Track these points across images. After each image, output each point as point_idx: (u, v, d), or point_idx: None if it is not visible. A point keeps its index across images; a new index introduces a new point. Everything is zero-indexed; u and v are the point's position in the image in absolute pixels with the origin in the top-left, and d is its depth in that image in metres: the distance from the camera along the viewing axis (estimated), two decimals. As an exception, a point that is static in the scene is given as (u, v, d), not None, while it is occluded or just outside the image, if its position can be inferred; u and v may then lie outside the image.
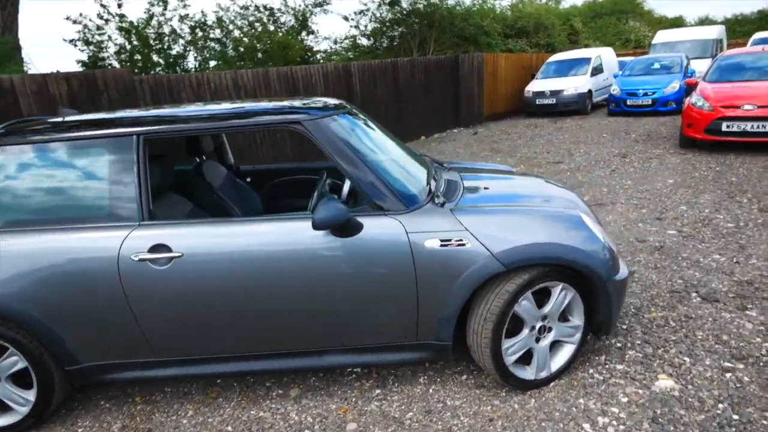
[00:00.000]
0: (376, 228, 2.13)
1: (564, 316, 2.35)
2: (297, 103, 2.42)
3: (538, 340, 2.29)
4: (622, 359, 2.48)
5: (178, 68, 11.20)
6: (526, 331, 2.25)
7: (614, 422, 2.08)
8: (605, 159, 7.05)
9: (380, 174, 2.19)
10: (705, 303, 2.95)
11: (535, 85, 12.59)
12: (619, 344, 2.61)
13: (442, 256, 2.12)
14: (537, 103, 12.28)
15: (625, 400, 2.19)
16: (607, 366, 2.44)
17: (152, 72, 10.72)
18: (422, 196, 2.28)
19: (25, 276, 2.10)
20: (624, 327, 2.77)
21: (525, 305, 2.19)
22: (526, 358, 2.32)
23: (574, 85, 11.97)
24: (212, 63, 11.90)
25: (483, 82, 12.17)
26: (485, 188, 2.63)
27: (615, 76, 12.16)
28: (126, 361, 2.27)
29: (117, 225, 2.14)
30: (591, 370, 2.42)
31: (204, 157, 3.24)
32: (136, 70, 10.31)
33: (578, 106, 11.88)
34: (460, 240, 2.13)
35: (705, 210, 4.59)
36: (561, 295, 2.24)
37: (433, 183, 2.45)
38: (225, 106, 2.38)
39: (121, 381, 2.31)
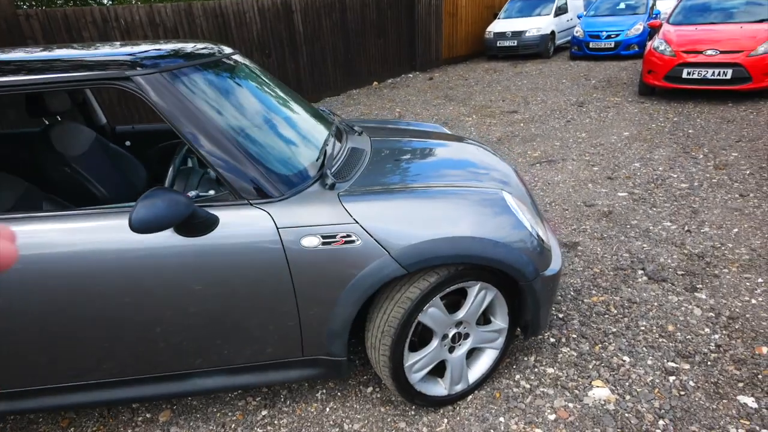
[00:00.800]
0: (236, 223, 1.62)
1: (486, 318, 1.95)
2: (130, 49, 1.79)
3: (452, 349, 1.89)
4: (554, 360, 2.13)
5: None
6: (435, 342, 1.83)
7: (535, 449, 1.73)
8: (561, 108, 6.61)
9: (243, 149, 1.65)
10: (651, 283, 2.61)
11: (496, 26, 11.83)
12: (552, 339, 2.26)
13: (324, 257, 1.64)
14: (498, 45, 11.58)
15: (552, 417, 1.84)
16: (536, 370, 2.08)
17: (42, 6, 9.39)
18: (306, 176, 1.77)
19: None
20: (560, 316, 2.41)
21: (433, 313, 1.76)
22: (439, 370, 1.94)
23: (536, 25, 11.29)
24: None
25: (441, 23, 11.33)
26: (396, 160, 2.13)
27: (579, 17, 11.53)
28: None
29: None
30: (517, 376, 2.06)
31: (58, 118, 2.59)
32: (22, 2, 8.99)
33: (539, 49, 11.26)
34: (348, 236, 1.65)
35: (659, 168, 4.24)
36: (479, 296, 1.82)
37: (327, 156, 1.93)
38: (20, 55, 1.73)
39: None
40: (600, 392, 1.93)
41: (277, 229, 1.62)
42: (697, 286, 2.55)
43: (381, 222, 1.66)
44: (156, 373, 1.78)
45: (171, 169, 1.96)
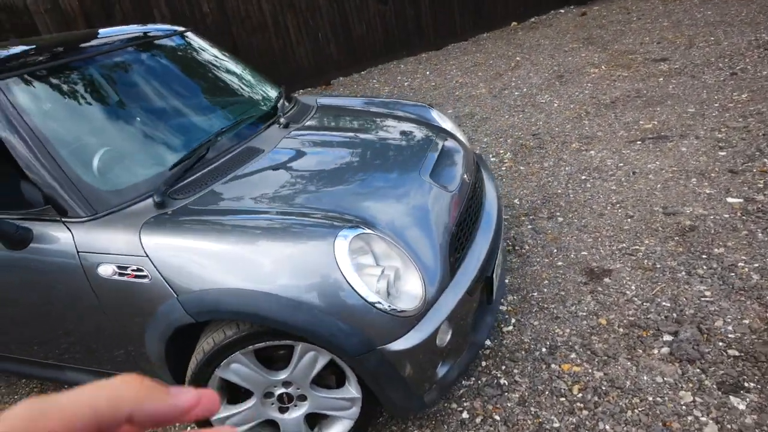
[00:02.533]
0: (47, 239, 1.53)
1: (339, 380, 1.55)
2: None
3: (284, 410, 1.56)
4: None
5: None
6: (255, 400, 1.53)
7: None
8: (738, 52, 4.82)
9: (53, 160, 1.51)
10: (670, 363, 1.76)
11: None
12: (466, 414, 1.71)
13: (122, 287, 1.46)
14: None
15: None
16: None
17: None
18: (133, 193, 1.57)
19: None
20: (501, 379, 1.81)
21: (237, 369, 1.45)
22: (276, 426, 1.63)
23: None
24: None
25: (618, -61, 9.13)
26: (276, 168, 1.76)
27: None
28: None
29: None
30: (389, 453, 1.63)
31: None
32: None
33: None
34: (139, 269, 1.42)
35: None
36: (306, 358, 1.44)
37: (183, 165, 1.68)
38: None
39: None
40: None
41: (77, 252, 1.48)
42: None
43: (175, 259, 1.39)
44: (44, 360, 1.87)
45: None
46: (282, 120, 2.08)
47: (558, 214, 2.86)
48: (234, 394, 1.56)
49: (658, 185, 2.89)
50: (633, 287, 2.16)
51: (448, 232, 1.59)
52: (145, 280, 1.42)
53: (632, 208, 2.73)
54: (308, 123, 2.14)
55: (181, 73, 2.18)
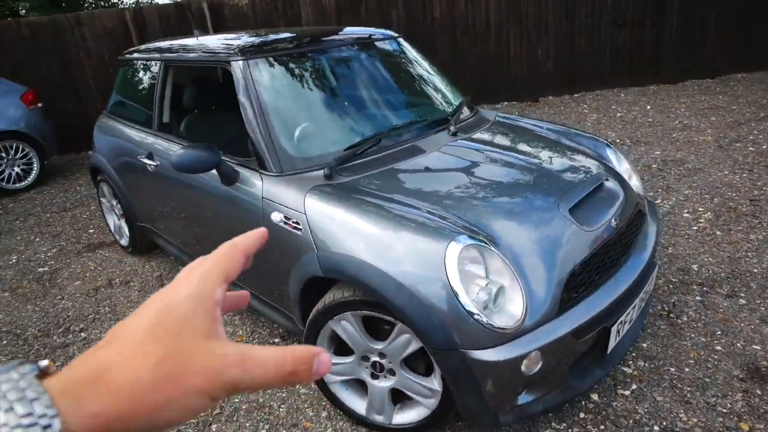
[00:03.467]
0: (246, 183, 2.00)
1: (429, 369, 1.68)
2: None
3: (375, 377, 1.76)
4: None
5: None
6: (353, 358, 1.76)
7: None
8: None
9: (267, 128, 1.97)
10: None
11: None
12: (548, 453, 1.68)
13: (283, 232, 1.84)
14: None
15: None
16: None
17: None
18: (313, 162, 1.94)
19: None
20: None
21: (346, 327, 1.70)
22: (363, 391, 1.84)
23: None
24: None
25: None
26: (427, 169, 1.95)
27: None
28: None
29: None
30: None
31: None
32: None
33: None
34: (297, 223, 1.78)
35: None
36: (402, 338, 1.61)
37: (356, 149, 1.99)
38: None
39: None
40: None
41: (262, 197, 1.92)
42: None
43: (324, 221, 1.71)
44: None
45: None
46: (452, 128, 2.25)
47: (742, 294, 2.44)
48: (340, 347, 1.82)
49: None
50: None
51: (569, 270, 1.58)
52: (299, 232, 1.76)
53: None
54: (476, 135, 2.27)
55: (384, 72, 2.52)
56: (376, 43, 2.58)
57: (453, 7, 6.48)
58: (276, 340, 2.42)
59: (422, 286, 1.46)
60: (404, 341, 1.61)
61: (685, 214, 3.32)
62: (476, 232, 1.57)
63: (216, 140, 2.22)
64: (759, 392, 1.89)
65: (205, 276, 0.34)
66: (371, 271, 1.52)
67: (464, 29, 6.60)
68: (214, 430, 1.94)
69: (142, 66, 2.96)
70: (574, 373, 1.65)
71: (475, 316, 1.42)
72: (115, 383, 0.28)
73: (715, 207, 3.36)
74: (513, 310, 1.46)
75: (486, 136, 2.26)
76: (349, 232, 1.63)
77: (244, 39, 2.33)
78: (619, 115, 5.78)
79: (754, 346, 2.11)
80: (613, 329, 1.66)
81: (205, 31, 3.30)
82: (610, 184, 1.93)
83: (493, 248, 1.51)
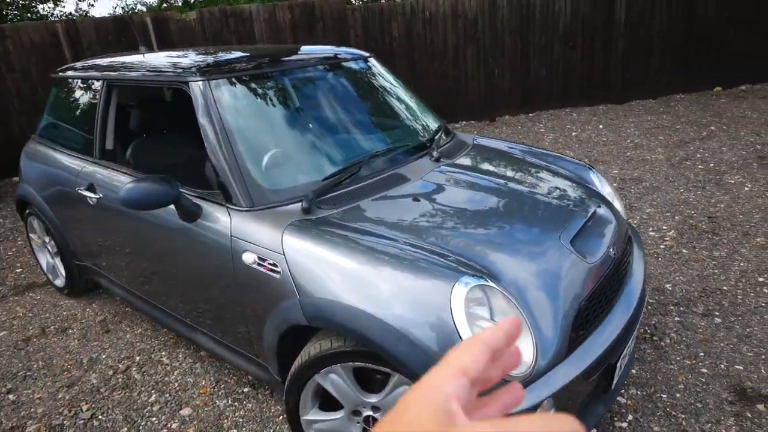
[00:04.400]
0: (210, 219, 1.80)
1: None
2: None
3: None
4: None
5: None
6: (342, 413, 1.59)
7: None
8: None
9: (233, 157, 1.78)
10: None
11: None
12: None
13: (257, 275, 1.65)
14: None
15: None
16: None
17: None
18: (288, 195, 1.77)
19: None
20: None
21: (334, 380, 1.53)
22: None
23: None
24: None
25: None
26: (415, 200, 1.82)
27: None
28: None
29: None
30: None
31: None
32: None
33: None
34: (274, 264, 1.59)
35: None
36: (401, 389, 1.46)
37: (333, 179, 1.84)
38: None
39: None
40: None
41: (231, 235, 1.72)
42: None
43: (307, 263, 1.54)
44: (183, 318, 2.18)
45: None
46: (435, 153, 2.14)
47: (717, 313, 2.47)
48: (326, 402, 1.64)
49: None
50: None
51: (576, 305, 1.49)
52: (277, 275, 1.58)
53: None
54: (459, 161, 2.18)
55: (355, 94, 2.39)
56: (351, 63, 2.46)
57: (411, 27, 6.50)
58: (245, 389, 2.19)
59: (425, 334, 1.32)
60: (402, 393, 1.45)
61: (650, 233, 3.37)
62: (476, 268, 1.46)
63: (170, 169, 2.01)
64: (749, 415, 1.87)
65: (433, 371, 0.32)
66: (366, 319, 1.37)
67: (422, 50, 6.63)
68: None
69: (80, 85, 2.68)
70: (578, 410, 1.55)
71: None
72: None
73: (677, 225, 3.44)
74: (523, 355, 1.34)
75: (469, 162, 2.17)
76: (338, 274, 1.47)
77: (194, 57, 2.15)
78: (574, 134, 5.94)
79: (737, 366, 2.11)
80: (618, 364, 1.58)
81: (149, 48, 3.03)
82: (602, 210, 1.87)
83: (495, 286, 1.39)
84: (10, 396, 2.26)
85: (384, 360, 1.40)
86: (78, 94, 2.69)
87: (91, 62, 2.69)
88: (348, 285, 1.44)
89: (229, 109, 1.89)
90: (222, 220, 1.76)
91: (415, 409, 0.29)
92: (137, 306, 2.46)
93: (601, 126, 6.19)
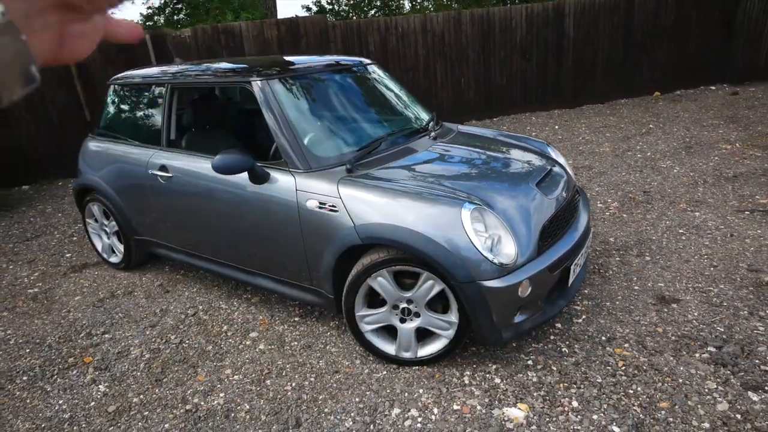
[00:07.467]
0: (278, 180, 2.45)
1: (445, 308, 2.22)
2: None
3: (403, 321, 2.27)
4: (511, 376, 2.20)
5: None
6: (386, 308, 2.26)
7: (420, 420, 2.01)
8: None
9: (294, 133, 2.45)
10: (711, 366, 2.16)
11: None
12: (530, 361, 2.28)
13: (319, 216, 2.32)
14: None
15: (455, 407, 2.04)
16: (486, 375, 2.22)
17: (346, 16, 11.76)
18: (333, 160, 2.44)
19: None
20: (563, 348, 2.34)
21: (381, 282, 2.21)
22: (394, 334, 2.34)
23: None
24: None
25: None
26: (425, 161, 2.54)
27: None
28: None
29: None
30: (467, 372, 2.25)
31: None
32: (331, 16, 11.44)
33: None
34: (333, 206, 2.27)
35: None
36: (426, 284, 2.15)
37: (367, 149, 2.54)
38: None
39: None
40: (514, 412, 1.97)
41: (296, 190, 2.38)
42: None
43: (356, 202, 2.22)
44: (243, 267, 2.81)
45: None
46: (432, 134, 2.88)
47: (647, 254, 3.27)
48: (373, 301, 2.31)
49: (752, 248, 3.17)
50: (696, 314, 2.54)
51: (541, 224, 2.22)
52: (336, 213, 2.25)
53: (718, 260, 3.06)
54: (450, 139, 2.91)
55: (370, 90, 3.10)
56: (365, 68, 3.17)
57: (386, 42, 7.29)
58: (296, 318, 2.83)
59: (447, 241, 2.02)
60: (428, 287, 2.14)
61: (599, 205, 4.20)
62: (474, 200, 2.17)
63: (217, 152, 2.66)
64: (665, 310, 2.64)
65: None
66: (405, 232, 2.06)
67: (396, 62, 7.42)
68: (269, 384, 2.32)
69: (143, 89, 3.27)
70: (547, 302, 2.28)
71: (486, 257, 2.00)
72: None
73: (619, 198, 4.28)
74: (509, 251, 2.06)
75: (458, 140, 2.91)
76: (381, 206, 2.15)
77: (243, 65, 2.83)
78: (534, 134, 6.82)
79: (659, 284, 2.89)
80: (572, 267, 2.32)
81: (183, 61, 3.66)
82: (557, 168, 2.64)
83: (489, 210, 2.11)
84: (106, 335, 2.82)
85: (418, 260, 2.08)
86: (141, 96, 3.29)
87: (150, 70, 3.30)
88: (390, 212, 2.12)
89: (284, 101, 2.56)
90: (287, 180, 2.41)
91: None
92: (197, 265, 3.07)
93: (557, 127, 7.12)
